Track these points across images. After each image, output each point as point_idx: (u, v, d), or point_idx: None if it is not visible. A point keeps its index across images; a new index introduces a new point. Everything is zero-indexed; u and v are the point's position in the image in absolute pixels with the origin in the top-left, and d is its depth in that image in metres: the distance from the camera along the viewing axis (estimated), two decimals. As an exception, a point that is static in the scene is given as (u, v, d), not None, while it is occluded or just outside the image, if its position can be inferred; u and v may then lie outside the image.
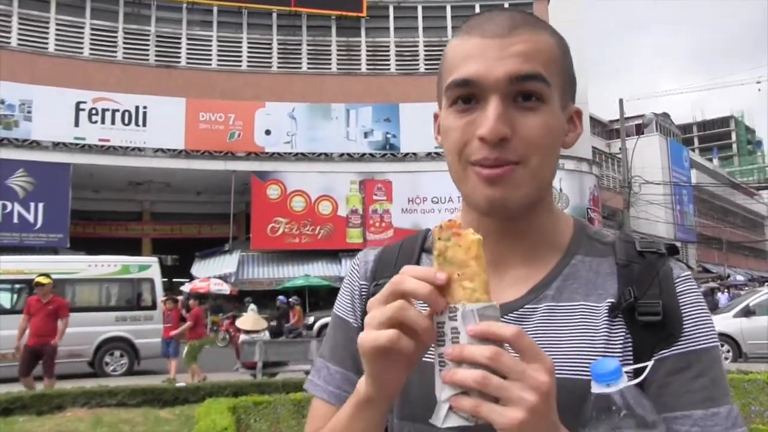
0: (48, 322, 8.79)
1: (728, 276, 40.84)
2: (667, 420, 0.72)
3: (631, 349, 0.76)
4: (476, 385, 0.59)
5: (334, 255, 23.26)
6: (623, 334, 0.77)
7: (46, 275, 9.04)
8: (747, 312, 13.26)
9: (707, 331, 0.77)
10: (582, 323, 0.78)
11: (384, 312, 0.64)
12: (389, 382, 0.68)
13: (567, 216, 0.90)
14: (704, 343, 0.76)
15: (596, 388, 0.66)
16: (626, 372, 0.67)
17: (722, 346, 12.91)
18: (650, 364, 0.72)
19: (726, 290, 30.87)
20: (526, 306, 0.81)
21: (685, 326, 0.77)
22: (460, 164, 0.79)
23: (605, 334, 0.77)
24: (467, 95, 0.78)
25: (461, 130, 0.78)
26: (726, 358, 12.64)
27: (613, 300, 0.79)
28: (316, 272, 22.55)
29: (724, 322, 13.15)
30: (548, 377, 0.61)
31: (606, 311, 0.78)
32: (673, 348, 0.76)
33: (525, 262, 0.84)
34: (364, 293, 0.91)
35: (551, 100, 0.78)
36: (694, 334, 0.76)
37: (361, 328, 0.67)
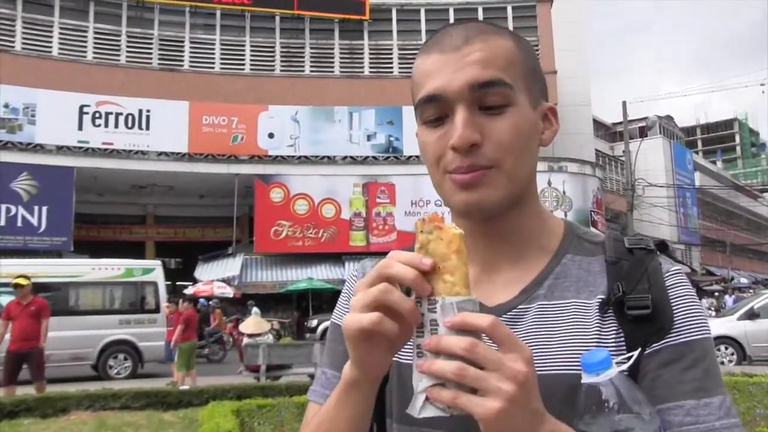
0: (31, 325, 8.41)
1: (732, 279, 40.70)
2: (660, 411, 0.73)
3: (623, 343, 0.77)
4: (454, 377, 0.60)
5: (337, 258, 23.26)
6: (615, 329, 0.78)
7: (25, 276, 8.71)
8: (751, 315, 13.21)
9: (698, 323, 0.78)
10: (574, 319, 0.79)
11: (368, 295, 0.65)
12: (373, 365, 0.69)
13: (556, 218, 0.92)
14: (696, 335, 0.77)
15: (586, 379, 0.67)
16: (617, 363, 0.68)
17: (726, 348, 12.87)
18: (636, 353, 0.73)
19: (732, 293, 30.82)
20: (519, 306, 0.82)
21: (675, 319, 0.77)
22: (438, 173, 0.82)
23: (597, 329, 0.78)
24: (436, 110, 0.80)
25: (435, 144, 0.81)
26: (730, 361, 12.59)
27: (603, 296, 0.80)
28: (319, 275, 22.55)
29: (729, 325, 13.11)
30: (525, 366, 0.62)
31: (597, 307, 0.79)
32: (664, 340, 0.76)
33: (515, 264, 0.86)
34: None
35: (518, 102, 0.80)
36: (685, 326, 0.77)
37: None
